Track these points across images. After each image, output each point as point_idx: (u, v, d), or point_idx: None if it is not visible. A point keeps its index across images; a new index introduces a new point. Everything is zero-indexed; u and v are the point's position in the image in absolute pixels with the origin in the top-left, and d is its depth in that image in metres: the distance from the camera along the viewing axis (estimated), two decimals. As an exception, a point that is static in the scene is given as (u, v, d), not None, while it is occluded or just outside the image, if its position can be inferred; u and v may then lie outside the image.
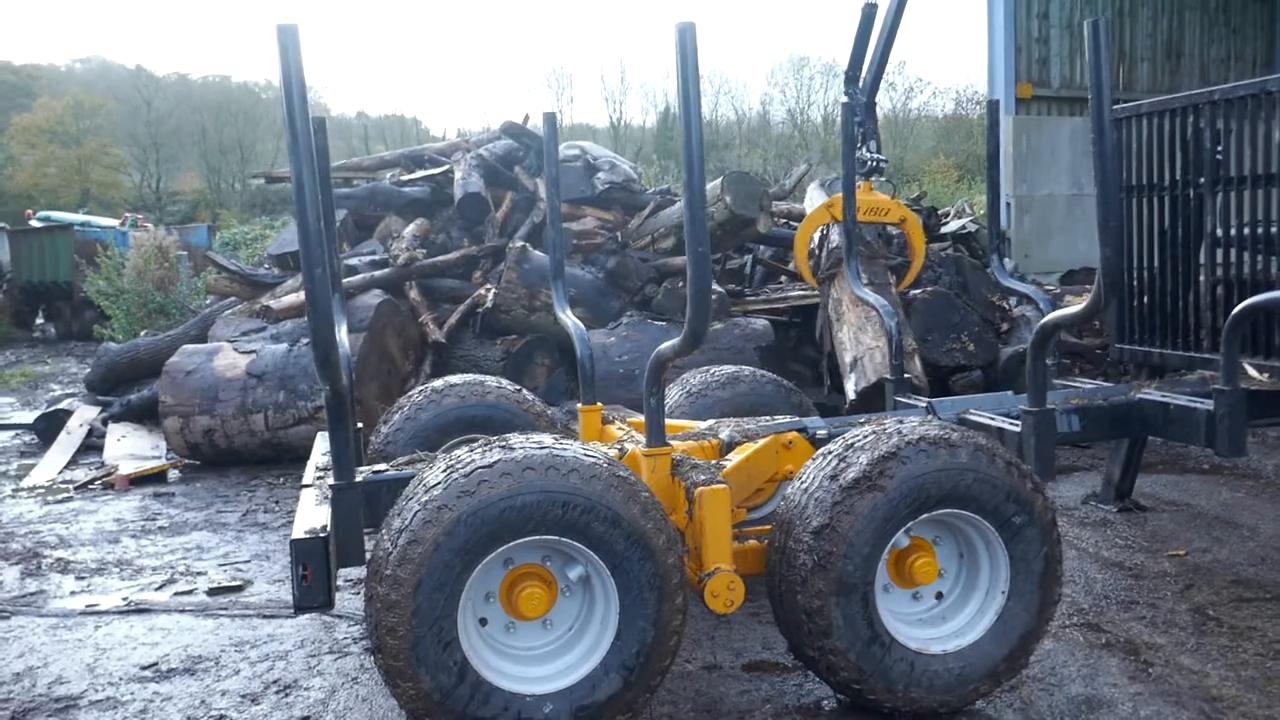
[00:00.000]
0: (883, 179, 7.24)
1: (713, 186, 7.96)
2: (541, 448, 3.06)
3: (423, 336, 7.91)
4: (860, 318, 6.69)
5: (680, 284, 7.78)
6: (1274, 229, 4.57)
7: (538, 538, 2.99)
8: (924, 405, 4.51)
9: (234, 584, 4.77)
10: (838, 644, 3.20)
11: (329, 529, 3.11)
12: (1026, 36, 12.04)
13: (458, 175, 8.84)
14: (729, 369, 5.00)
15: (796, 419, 4.23)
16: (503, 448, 3.07)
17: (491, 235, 8.75)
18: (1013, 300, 9.97)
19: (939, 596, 3.46)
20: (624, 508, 3.02)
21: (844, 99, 6.96)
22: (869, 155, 7.01)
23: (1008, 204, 11.80)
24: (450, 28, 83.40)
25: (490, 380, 4.74)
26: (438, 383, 4.69)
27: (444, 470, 3.04)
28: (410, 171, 9.60)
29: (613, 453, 3.78)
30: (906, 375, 4.91)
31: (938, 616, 3.44)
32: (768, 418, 4.31)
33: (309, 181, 2.86)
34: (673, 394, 4.97)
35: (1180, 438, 4.37)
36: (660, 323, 7.64)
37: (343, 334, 4.48)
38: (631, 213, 8.86)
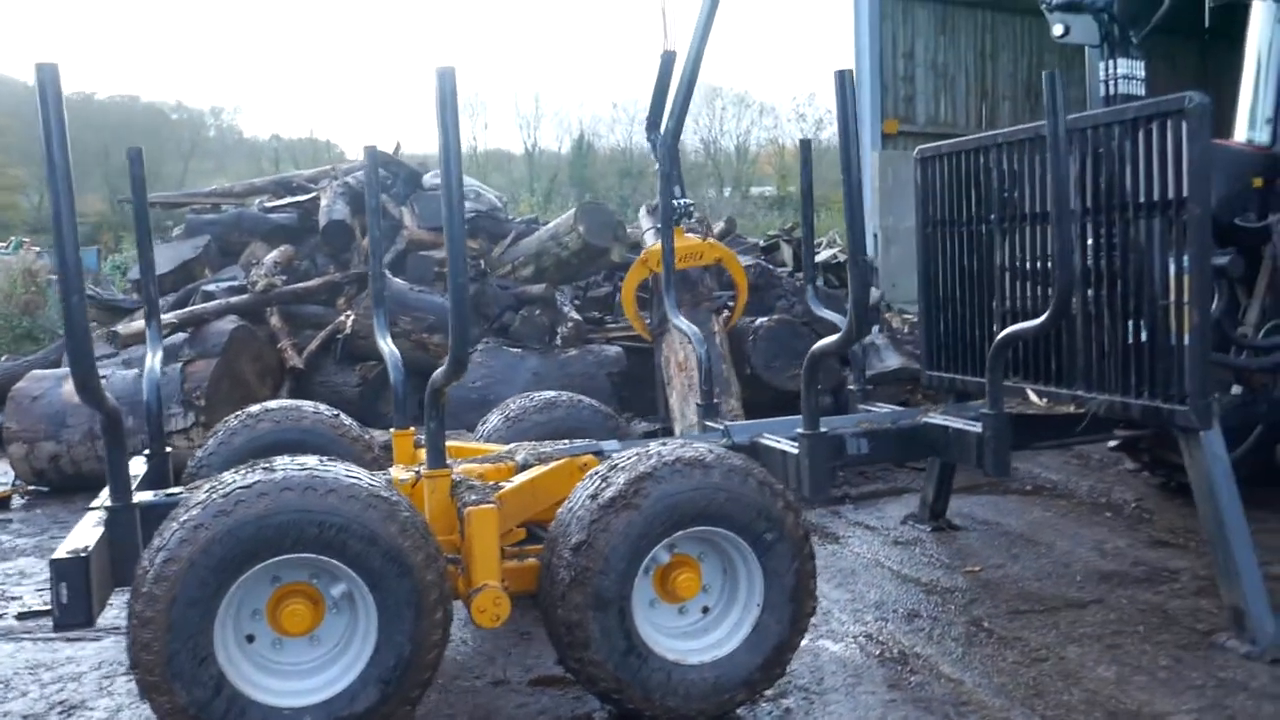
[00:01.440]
0: (691, 221, 7.40)
1: (566, 216, 8.18)
2: (303, 469, 3.19)
3: (281, 363, 7.95)
4: (684, 385, 6.85)
5: (537, 311, 7.96)
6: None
7: (296, 555, 3.11)
8: (722, 429, 4.73)
9: (46, 608, 4.77)
10: (596, 656, 3.37)
11: (91, 549, 3.19)
12: (893, 75, 12.57)
13: (323, 202, 8.92)
14: (548, 394, 5.18)
15: (593, 442, 4.41)
16: (265, 469, 3.19)
17: (357, 262, 8.83)
18: (875, 329, 10.35)
19: (705, 610, 3.65)
20: (381, 526, 3.15)
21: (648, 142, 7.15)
22: (678, 202, 7.11)
23: (874, 235, 12.25)
24: (367, 50, 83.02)
25: (307, 405, 4.84)
26: (254, 408, 4.78)
27: (206, 491, 3.15)
28: (279, 198, 9.64)
29: (407, 475, 3.92)
30: (716, 401, 5.14)
31: (701, 629, 3.63)
32: (567, 441, 4.48)
33: (66, 212, 2.96)
34: (493, 419, 5.13)
35: (958, 459, 4.67)
36: (515, 350, 7.79)
37: (155, 360, 4.56)
38: (496, 241, 9.03)
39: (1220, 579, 4.30)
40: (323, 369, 8.14)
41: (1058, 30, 5.68)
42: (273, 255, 8.46)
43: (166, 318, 7.42)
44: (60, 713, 3.68)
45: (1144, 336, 4.42)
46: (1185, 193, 4.17)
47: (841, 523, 6.33)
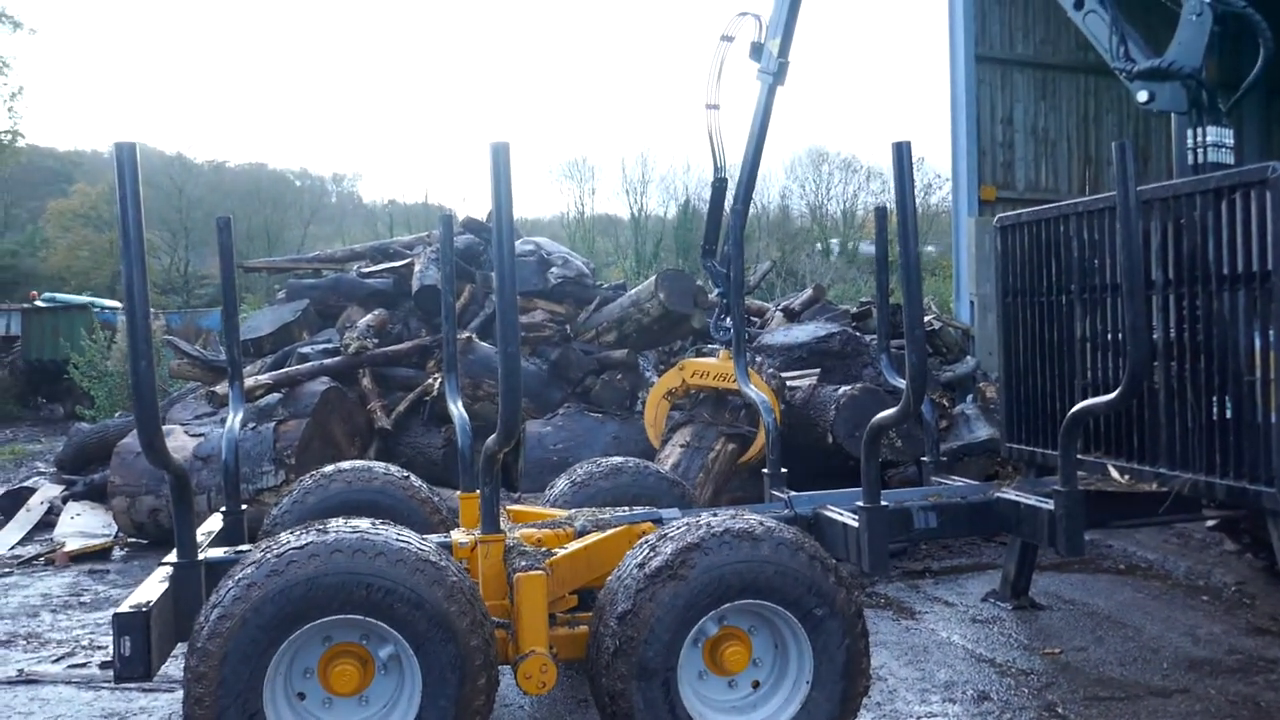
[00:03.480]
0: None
1: (648, 283, 8.25)
2: (354, 532, 3.27)
3: (370, 423, 8.16)
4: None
5: (619, 376, 8.02)
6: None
7: (344, 617, 3.18)
8: (785, 499, 4.68)
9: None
10: (639, 727, 3.34)
11: (154, 604, 3.32)
12: (990, 140, 12.41)
13: (417, 268, 9.20)
14: (615, 460, 5.20)
15: (652, 510, 4.41)
16: (319, 531, 3.28)
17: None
18: (965, 397, 10.12)
19: (755, 685, 3.59)
20: (427, 591, 3.21)
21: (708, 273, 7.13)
22: (728, 324, 6.86)
23: (971, 302, 12.02)
24: (480, 116, 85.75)
25: (379, 466, 4.96)
26: (328, 468, 4.92)
27: (261, 550, 3.25)
28: (377, 263, 9.98)
29: (467, 539, 3.98)
30: (784, 470, 5.09)
31: (750, 704, 3.56)
32: (628, 508, 4.49)
33: (138, 282, 3.13)
34: (560, 483, 5.17)
35: (1029, 536, 4.52)
36: (596, 414, 7.86)
37: (235, 420, 4.74)
38: (582, 306, 9.16)
39: (1314, 672, 4.05)
40: (410, 430, 8.33)
41: (1142, 97, 5.57)
42: (366, 319, 8.74)
43: (262, 378, 7.72)
44: (127, 762, 3.79)
45: (1229, 413, 4.25)
46: (1270, 265, 4.02)
47: (919, 597, 6.16)
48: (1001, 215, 5.70)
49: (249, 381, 7.87)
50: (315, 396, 7.70)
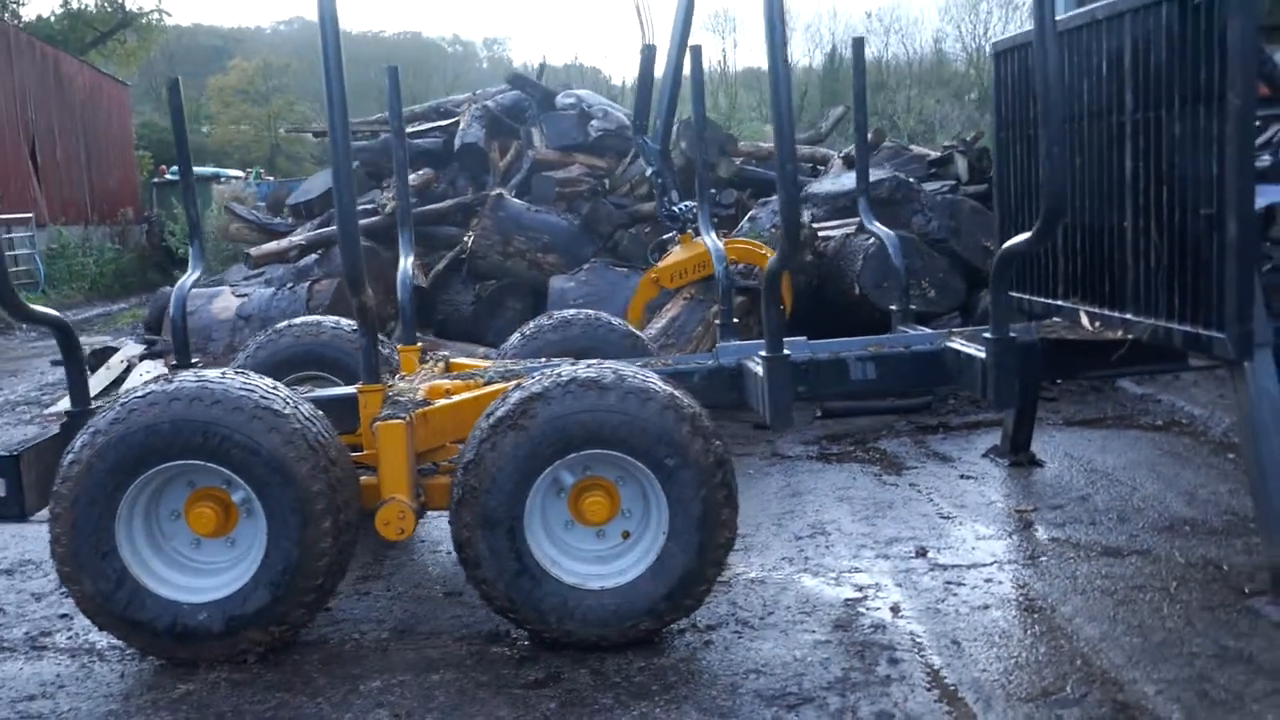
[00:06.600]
0: (694, 223, 6.50)
1: (674, 133, 7.95)
2: (197, 381, 3.34)
3: (408, 281, 8.29)
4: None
5: (646, 230, 7.85)
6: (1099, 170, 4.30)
7: (184, 462, 3.28)
8: (715, 351, 4.52)
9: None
10: (487, 574, 3.36)
11: (28, 449, 3.51)
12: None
13: (461, 127, 9.15)
14: (568, 312, 5.15)
15: (552, 362, 4.34)
16: (165, 381, 3.37)
17: (493, 184, 9.04)
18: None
19: (625, 536, 3.54)
20: (264, 437, 3.26)
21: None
22: (675, 208, 6.52)
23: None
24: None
25: (328, 321, 5.05)
26: (280, 324, 5.04)
27: (115, 401, 3.37)
28: (431, 123, 9.98)
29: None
30: (735, 320, 4.90)
31: (614, 554, 3.52)
32: (544, 360, 4.43)
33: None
34: (514, 337, 5.15)
35: (968, 387, 4.24)
36: (622, 268, 7.75)
37: (189, 280, 4.89)
38: (623, 159, 8.94)
39: (1260, 533, 3.71)
40: (450, 288, 8.44)
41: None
42: (410, 178, 8.78)
43: (295, 239, 7.92)
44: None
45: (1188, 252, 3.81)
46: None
47: (918, 453, 5.93)
48: (997, 40, 5.17)
49: (283, 243, 8.10)
50: (346, 256, 7.86)
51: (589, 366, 3.45)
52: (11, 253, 18.14)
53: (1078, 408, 6.83)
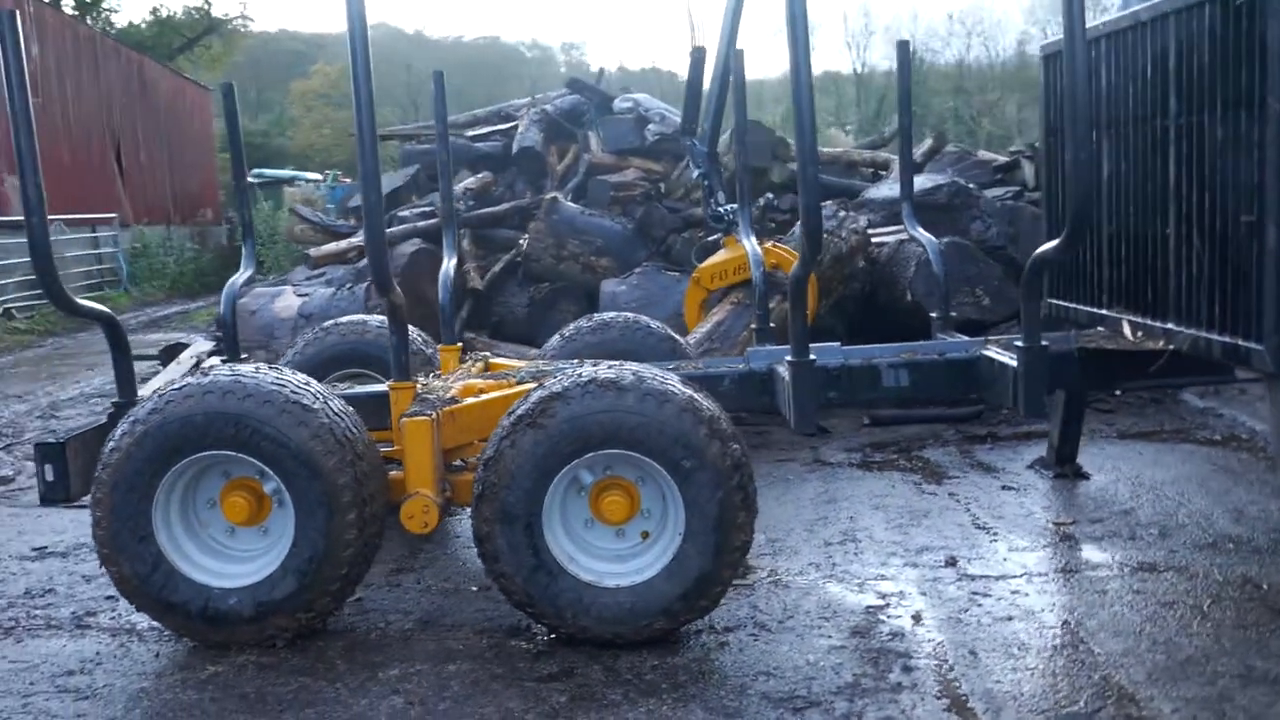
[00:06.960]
0: (737, 226, 6.35)
1: (726, 137, 7.96)
2: (230, 376, 3.47)
3: (464, 283, 8.44)
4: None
5: (700, 235, 7.88)
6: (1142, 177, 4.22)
7: (217, 452, 3.41)
8: (748, 354, 4.53)
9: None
10: (505, 569, 3.43)
11: (75, 436, 3.67)
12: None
13: (520, 130, 9.28)
14: (607, 315, 5.19)
15: (584, 364, 4.38)
16: (201, 374, 3.50)
17: (551, 187, 9.15)
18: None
19: (645, 536, 3.58)
20: (293, 431, 3.37)
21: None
22: (721, 209, 6.49)
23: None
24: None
25: (373, 320, 5.18)
26: (327, 323, 5.18)
27: (152, 392, 3.51)
28: (493, 127, 10.13)
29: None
30: (771, 325, 4.91)
31: (632, 553, 3.56)
32: (577, 361, 4.49)
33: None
34: (554, 339, 5.22)
35: (999, 397, 4.18)
36: (674, 272, 7.78)
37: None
38: (679, 164, 8.98)
39: (1296, 552, 3.60)
40: (506, 290, 8.56)
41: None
42: (466, 182, 8.95)
43: (354, 241, 8.11)
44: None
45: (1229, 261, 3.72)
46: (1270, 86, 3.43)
47: (963, 463, 5.86)
48: (1045, 43, 5.10)
49: (343, 244, 8.30)
50: (404, 258, 8.03)
51: (610, 367, 3.50)
52: (96, 251, 18.86)
53: (1134, 420, 6.68)
